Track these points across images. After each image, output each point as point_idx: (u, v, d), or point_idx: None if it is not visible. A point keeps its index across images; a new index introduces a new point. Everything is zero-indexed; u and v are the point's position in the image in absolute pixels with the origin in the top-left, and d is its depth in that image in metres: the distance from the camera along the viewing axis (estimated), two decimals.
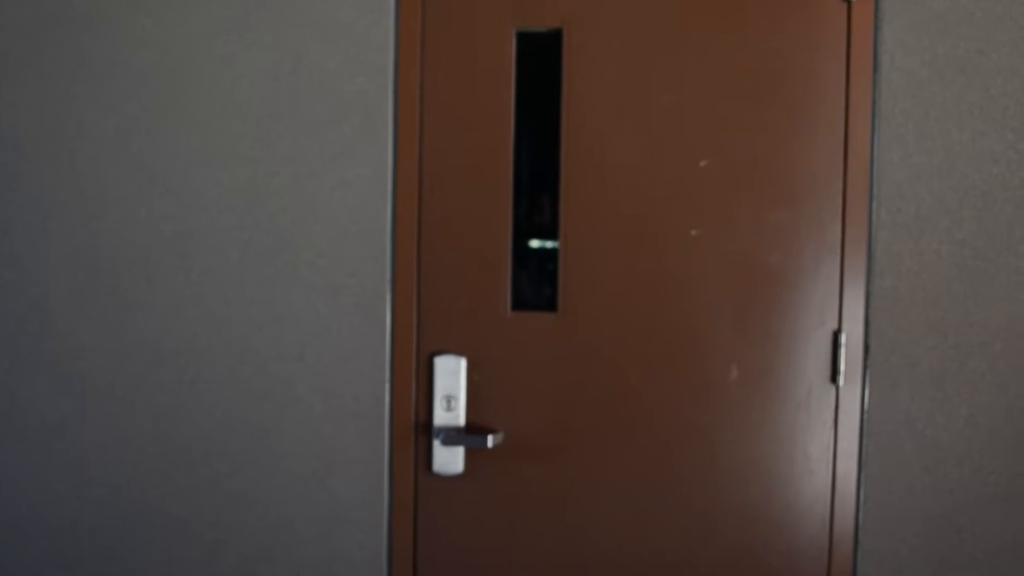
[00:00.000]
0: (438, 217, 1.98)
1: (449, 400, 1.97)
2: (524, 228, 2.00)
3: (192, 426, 2.06)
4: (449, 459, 1.98)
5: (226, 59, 2.02)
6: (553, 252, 1.97)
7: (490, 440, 1.90)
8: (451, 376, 1.97)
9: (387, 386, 2.00)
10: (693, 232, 1.90)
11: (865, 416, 1.86)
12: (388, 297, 1.99)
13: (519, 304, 1.99)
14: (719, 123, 1.91)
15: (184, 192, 2.05)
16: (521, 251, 1.99)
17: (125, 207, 2.06)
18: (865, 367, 1.87)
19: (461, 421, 1.97)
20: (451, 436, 1.95)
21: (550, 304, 1.97)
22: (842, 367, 1.86)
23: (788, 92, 1.88)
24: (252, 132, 2.01)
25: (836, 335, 1.87)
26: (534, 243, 2.01)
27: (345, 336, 2.00)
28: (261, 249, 2.01)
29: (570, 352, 1.96)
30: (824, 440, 1.88)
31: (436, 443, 1.98)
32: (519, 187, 1.98)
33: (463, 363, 1.97)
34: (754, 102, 1.89)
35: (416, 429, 2.01)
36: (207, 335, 2.04)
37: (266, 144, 2.01)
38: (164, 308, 2.05)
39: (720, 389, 1.92)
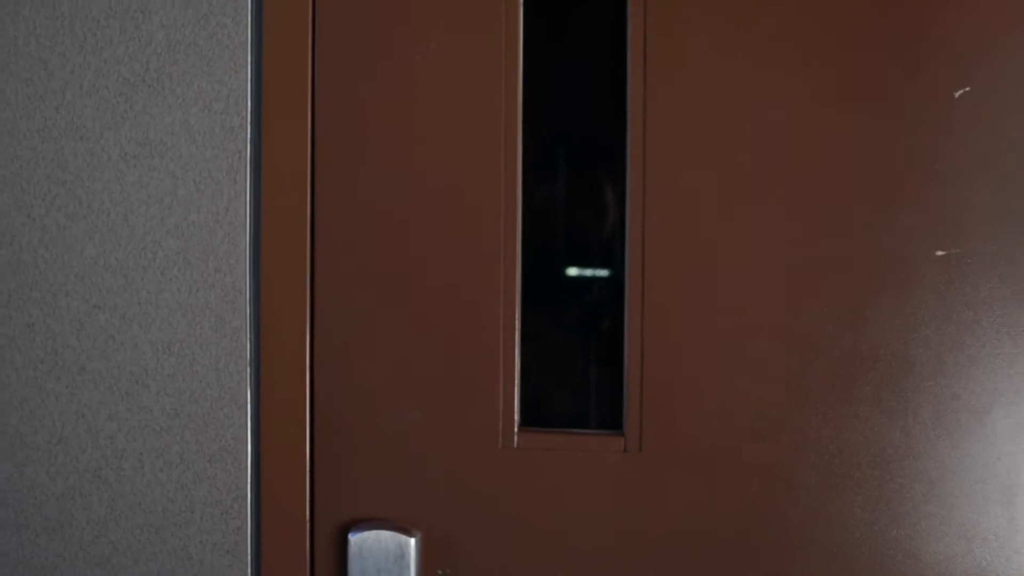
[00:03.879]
0: (353, 231, 0.95)
1: None
2: (549, 255, 0.96)
3: None
4: None
5: None
6: (611, 306, 0.93)
7: None
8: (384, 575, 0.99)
9: None
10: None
11: None
12: (248, 400, 0.95)
13: (536, 416, 0.95)
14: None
15: None
16: (540, 303, 0.95)
17: None
18: None
19: None
20: None
21: (608, 418, 0.94)
22: None
23: None
24: None
25: None
26: (569, 291, 0.97)
27: (160, 485, 0.97)
28: None
29: (651, 526, 0.92)
30: None
31: None
32: (536, 166, 0.94)
33: (412, 547, 0.92)
34: None
35: None
36: None
37: None
38: None
39: None
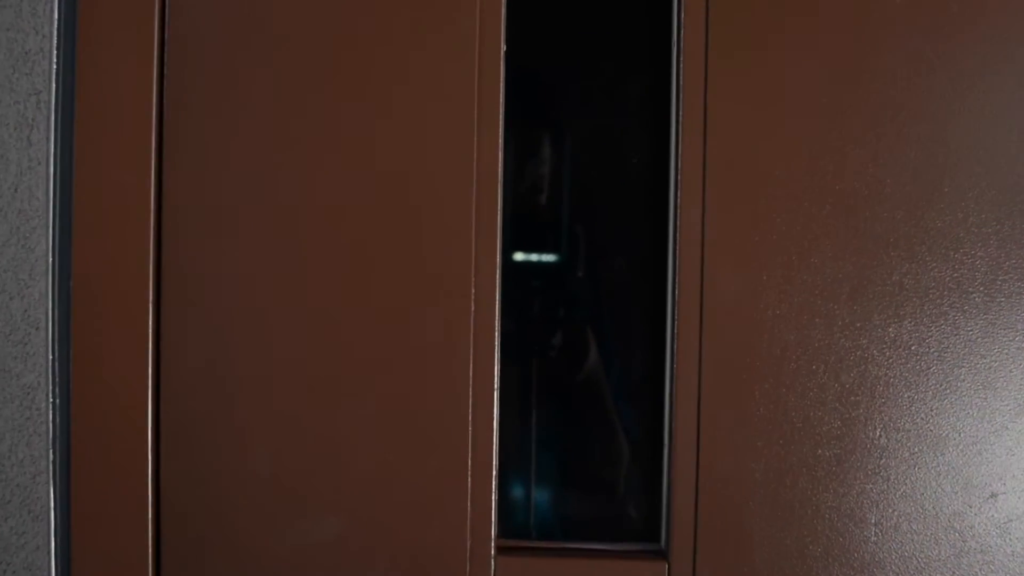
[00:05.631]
0: (231, 228, 0.58)
1: None
2: (540, 272, 0.61)
3: None
4: None
5: None
6: (643, 355, 0.59)
7: None
8: None
9: None
10: None
11: None
12: (51, 507, 0.58)
13: (525, 523, 0.62)
14: None
15: None
16: (528, 348, 0.60)
17: None
18: None
19: None
20: None
21: (641, 526, 0.60)
22: None
23: None
24: None
25: None
26: (574, 331, 0.59)
27: None
28: None
29: None
30: None
31: None
32: (521, 143, 0.61)
33: None
34: None
35: None
36: None
37: None
38: None
39: None
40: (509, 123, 0.60)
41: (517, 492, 0.63)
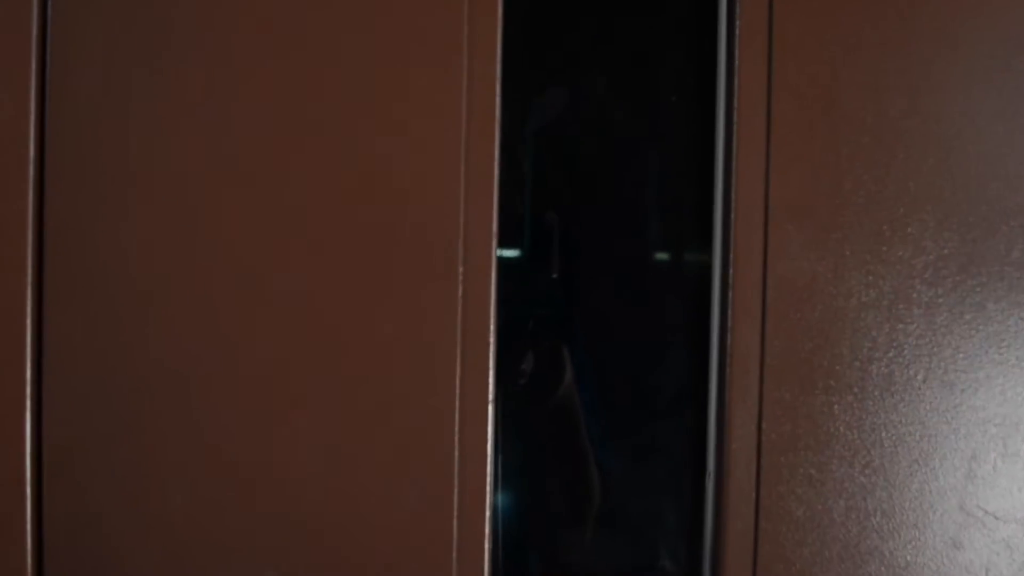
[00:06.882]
0: (143, 237, 0.43)
1: None
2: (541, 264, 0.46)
3: None
4: None
5: None
6: (675, 356, 0.46)
7: None
8: None
9: None
10: None
11: None
12: None
13: (528, 569, 0.49)
14: None
15: None
16: (528, 353, 0.47)
17: None
18: None
19: None
20: None
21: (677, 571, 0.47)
22: None
23: None
24: None
25: None
26: (587, 331, 0.45)
27: None
28: None
29: None
30: None
31: None
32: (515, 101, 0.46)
33: None
34: None
35: None
36: None
37: None
38: None
39: None
40: (507, 57, 0.48)
41: (517, 529, 0.52)
